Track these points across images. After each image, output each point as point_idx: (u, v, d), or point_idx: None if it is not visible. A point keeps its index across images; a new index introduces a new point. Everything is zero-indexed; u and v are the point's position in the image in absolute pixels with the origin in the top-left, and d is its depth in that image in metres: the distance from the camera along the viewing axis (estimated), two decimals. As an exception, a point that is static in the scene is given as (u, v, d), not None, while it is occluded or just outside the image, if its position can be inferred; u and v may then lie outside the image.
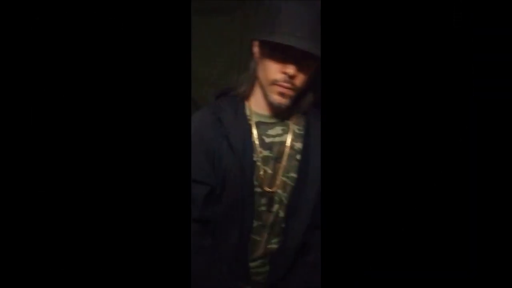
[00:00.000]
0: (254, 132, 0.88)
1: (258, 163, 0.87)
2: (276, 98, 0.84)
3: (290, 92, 0.83)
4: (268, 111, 0.90)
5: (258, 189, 0.87)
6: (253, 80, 0.88)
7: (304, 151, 0.89)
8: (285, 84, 0.82)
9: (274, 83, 0.82)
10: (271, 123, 0.89)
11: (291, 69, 0.80)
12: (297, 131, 0.90)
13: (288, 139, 0.89)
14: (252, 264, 0.90)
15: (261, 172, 0.86)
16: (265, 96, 0.86)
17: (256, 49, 0.86)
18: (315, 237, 0.89)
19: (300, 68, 0.81)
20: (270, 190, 0.86)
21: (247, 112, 0.90)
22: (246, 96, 0.90)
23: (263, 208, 0.88)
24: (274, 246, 0.89)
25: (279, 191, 0.87)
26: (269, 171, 0.87)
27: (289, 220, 0.88)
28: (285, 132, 0.90)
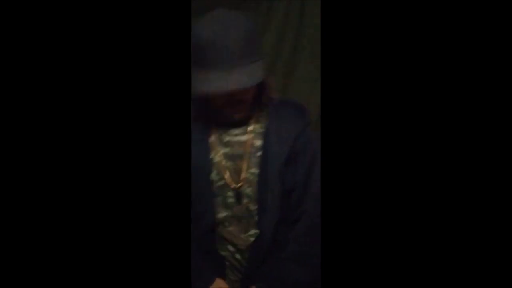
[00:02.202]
0: (214, 132, 0.94)
1: (217, 160, 0.93)
2: (233, 117, 0.90)
3: (242, 108, 0.88)
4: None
5: (221, 183, 0.93)
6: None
7: (264, 147, 0.93)
8: (233, 109, 0.87)
9: (222, 112, 0.89)
10: (232, 123, 0.95)
11: (232, 104, 0.85)
12: (258, 129, 0.95)
13: (248, 137, 0.94)
14: (228, 256, 0.95)
15: (221, 167, 0.93)
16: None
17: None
18: (291, 232, 0.94)
19: (237, 94, 0.84)
20: (236, 186, 0.93)
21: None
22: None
23: (232, 200, 0.93)
24: (251, 239, 0.94)
25: (246, 186, 0.93)
26: (232, 167, 0.94)
27: (261, 214, 0.93)
28: (245, 132, 0.95)
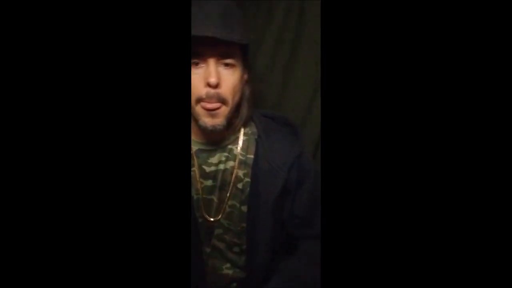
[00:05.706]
0: (195, 163, 0.83)
1: (197, 196, 0.84)
2: (207, 121, 0.76)
3: (220, 109, 0.76)
4: (205, 138, 0.84)
5: (200, 220, 0.85)
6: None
7: (253, 179, 0.83)
8: (211, 100, 0.74)
9: (199, 101, 0.76)
10: (212, 150, 0.84)
11: (212, 78, 0.73)
12: (240, 157, 0.84)
13: (231, 166, 0.84)
14: None
15: (202, 203, 0.85)
16: (197, 122, 0.79)
17: None
18: (278, 265, 0.85)
19: (224, 76, 0.75)
20: (211, 219, 0.85)
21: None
22: None
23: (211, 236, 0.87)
24: (239, 275, 0.88)
25: (223, 220, 0.86)
26: (215, 200, 0.85)
27: (250, 252, 0.85)
28: (228, 158, 0.85)
